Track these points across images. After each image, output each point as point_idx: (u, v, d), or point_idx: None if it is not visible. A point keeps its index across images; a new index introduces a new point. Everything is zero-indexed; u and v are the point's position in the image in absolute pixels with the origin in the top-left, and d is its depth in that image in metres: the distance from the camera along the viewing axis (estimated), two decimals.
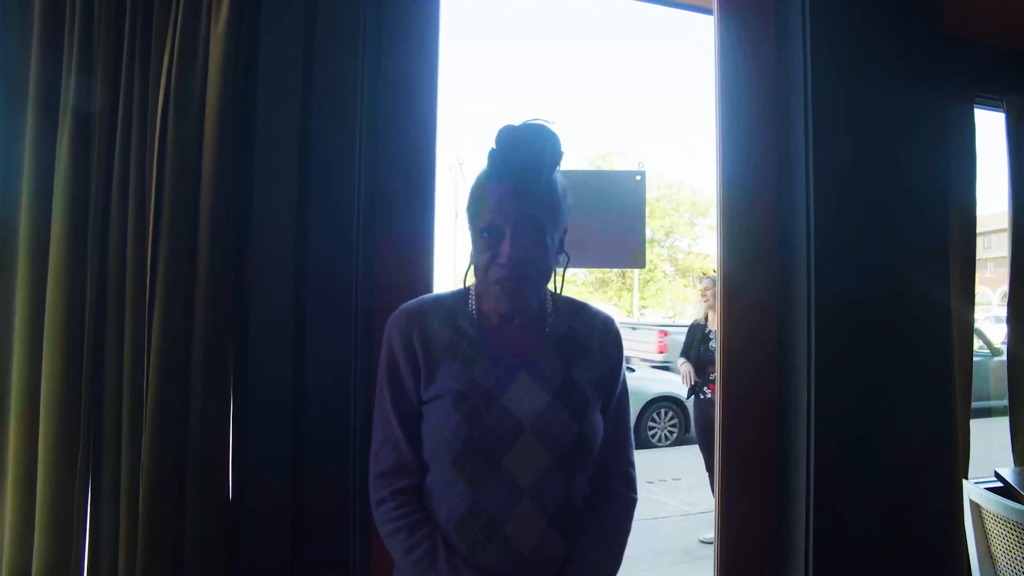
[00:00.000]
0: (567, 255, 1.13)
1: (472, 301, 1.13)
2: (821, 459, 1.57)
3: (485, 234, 1.04)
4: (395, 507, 1.05)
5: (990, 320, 8.74)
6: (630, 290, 19.28)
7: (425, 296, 1.19)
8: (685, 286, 21.33)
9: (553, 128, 1.05)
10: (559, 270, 1.13)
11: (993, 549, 1.72)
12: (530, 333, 1.12)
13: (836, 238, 1.62)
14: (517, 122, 1.06)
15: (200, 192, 1.28)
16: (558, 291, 1.17)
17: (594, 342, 1.14)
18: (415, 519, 1.04)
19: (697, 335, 4.12)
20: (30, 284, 1.25)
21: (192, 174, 1.27)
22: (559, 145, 1.05)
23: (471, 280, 1.14)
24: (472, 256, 1.10)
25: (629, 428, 1.18)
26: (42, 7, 1.26)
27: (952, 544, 1.69)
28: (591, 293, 18.35)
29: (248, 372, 1.33)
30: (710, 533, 3.17)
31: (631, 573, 3.60)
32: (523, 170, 1.03)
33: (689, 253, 20.92)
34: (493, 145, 1.05)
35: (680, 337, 4.61)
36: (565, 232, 1.11)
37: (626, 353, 1.20)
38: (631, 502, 1.13)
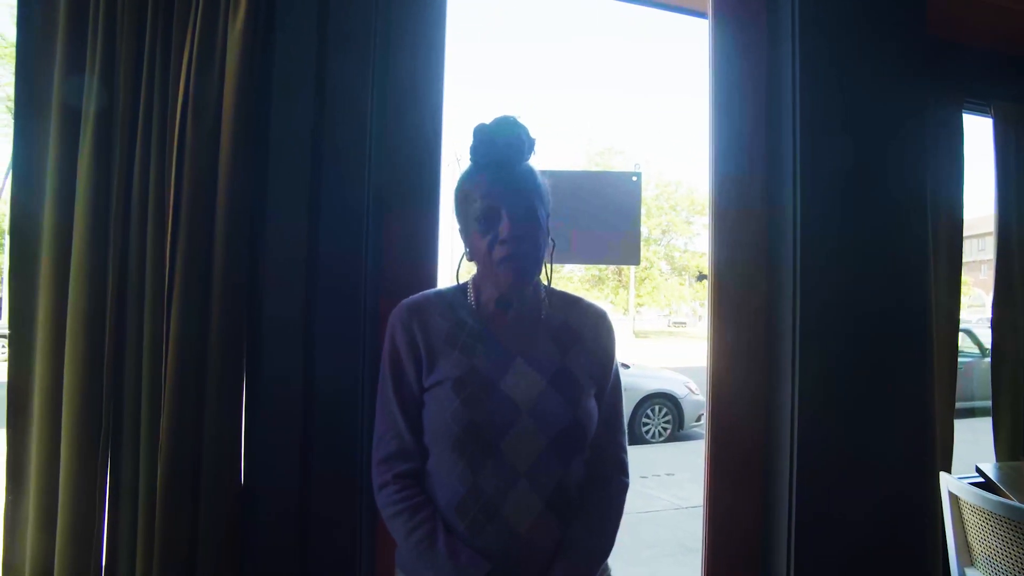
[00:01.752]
0: (553, 241, 1.18)
1: (471, 294, 1.18)
2: (804, 458, 1.62)
3: (482, 220, 1.09)
4: (397, 491, 1.09)
5: (983, 322, 8.76)
6: (626, 287, 19.34)
7: (427, 291, 1.23)
8: (681, 284, 21.40)
9: (521, 120, 1.13)
10: (547, 265, 1.18)
11: (970, 539, 1.77)
12: (526, 322, 1.16)
13: (822, 237, 1.66)
14: (488, 120, 1.14)
15: (216, 192, 1.30)
16: (548, 283, 1.21)
17: (588, 333, 1.19)
18: (416, 502, 1.08)
19: None
20: (53, 282, 1.27)
21: (209, 174, 1.30)
22: (529, 133, 1.13)
23: (464, 277, 1.20)
24: (467, 251, 1.15)
25: (621, 416, 1.23)
26: (66, 10, 1.28)
27: (930, 536, 1.74)
28: (587, 290, 18.38)
29: (261, 368, 1.36)
30: None
31: (625, 564, 3.64)
32: (506, 158, 1.10)
33: (684, 251, 20.98)
34: (471, 142, 1.13)
35: None
36: (548, 217, 1.16)
37: None
38: (623, 486, 1.18)
